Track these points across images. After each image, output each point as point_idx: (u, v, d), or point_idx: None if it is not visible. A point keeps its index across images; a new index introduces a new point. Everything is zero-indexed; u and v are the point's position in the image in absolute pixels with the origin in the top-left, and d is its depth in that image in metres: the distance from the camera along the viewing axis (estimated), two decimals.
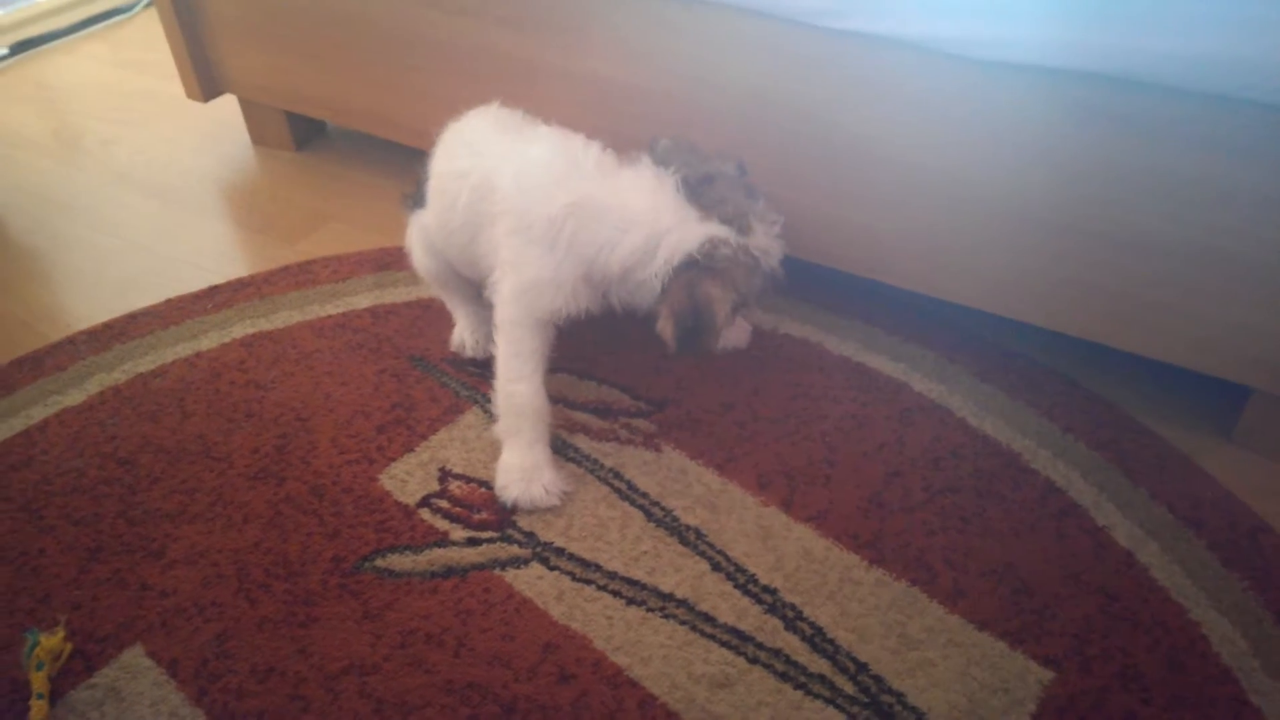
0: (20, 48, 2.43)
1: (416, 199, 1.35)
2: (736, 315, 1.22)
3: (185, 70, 1.87)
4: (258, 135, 1.99)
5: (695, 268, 1.11)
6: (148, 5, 2.63)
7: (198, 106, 2.02)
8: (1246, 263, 1.11)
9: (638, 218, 1.13)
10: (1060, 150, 1.15)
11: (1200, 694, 0.96)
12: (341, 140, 2.00)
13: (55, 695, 0.98)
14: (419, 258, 1.37)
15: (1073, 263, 1.21)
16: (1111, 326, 1.23)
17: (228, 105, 2.01)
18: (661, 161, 1.17)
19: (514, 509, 1.17)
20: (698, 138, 1.37)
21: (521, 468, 1.17)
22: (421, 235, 1.36)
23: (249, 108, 1.96)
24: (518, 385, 1.18)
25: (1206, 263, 1.13)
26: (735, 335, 1.38)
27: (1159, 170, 1.10)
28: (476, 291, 1.32)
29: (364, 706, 0.96)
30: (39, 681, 0.96)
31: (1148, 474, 1.19)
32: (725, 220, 1.13)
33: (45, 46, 2.47)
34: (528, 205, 1.15)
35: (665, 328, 1.13)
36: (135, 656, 1.01)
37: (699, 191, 1.15)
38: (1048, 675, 0.98)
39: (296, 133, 1.95)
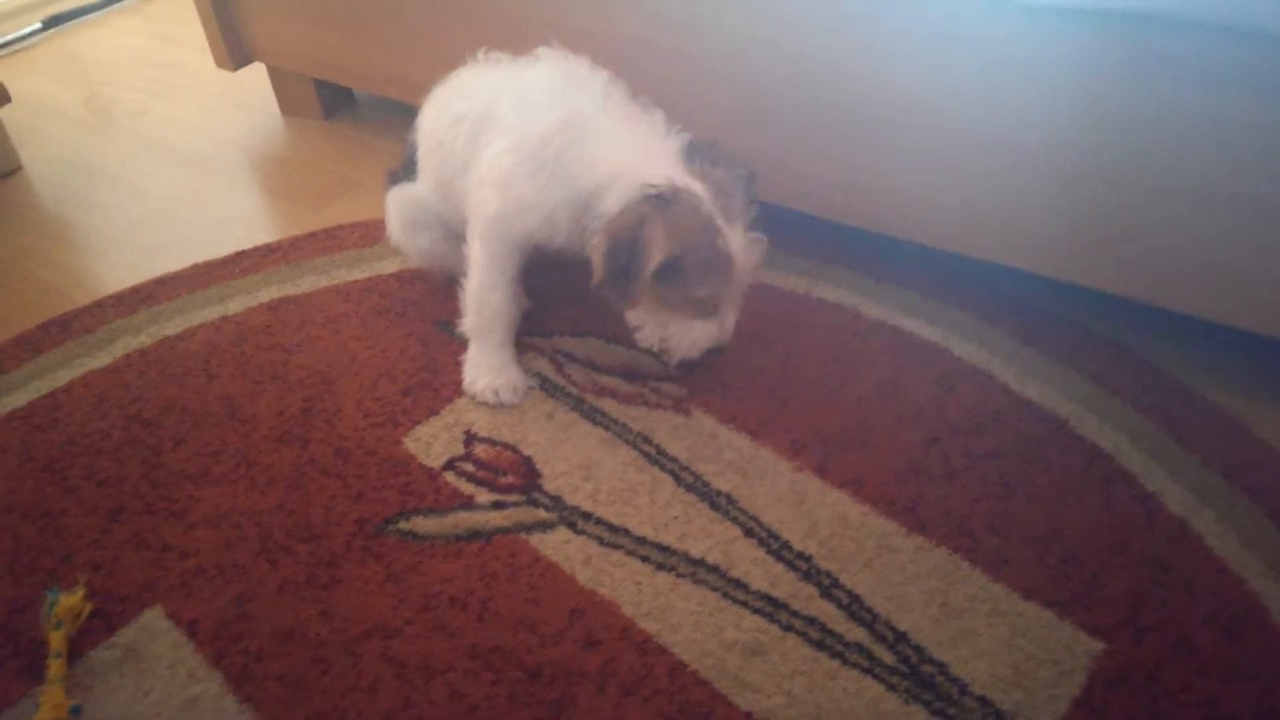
0: (53, 22, 2.43)
1: (404, 172, 1.34)
2: (671, 282, 1.09)
3: (214, 39, 1.85)
4: (286, 105, 1.98)
5: (653, 203, 1.06)
6: None
7: (227, 78, 2.02)
8: None
9: (628, 148, 1.11)
10: (1107, 98, 1.09)
11: (1260, 667, 0.91)
12: (370, 109, 1.97)
13: (74, 654, 0.96)
14: (404, 235, 1.36)
15: (1120, 218, 1.15)
16: (1161, 285, 1.17)
17: (257, 76, 2.00)
18: (690, 151, 1.13)
19: (478, 401, 1.22)
20: (725, 98, 1.33)
21: (490, 365, 1.24)
22: (408, 209, 1.34)
23: (277, 77, 1.95)
24: (493, 293, 1.22)
25: (1263, 216, 1.06)
26: (701, 334, 1.17)
27: (1212, 117, 1.04)
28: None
29: (386, 670, 0.94)
30: (57, 640, 0.95)
31: (1200, 440, 1.14)
32: (711, 192, 1.08)
33: (78, 21, 2.48)
34: (523, 121, 1.14)
35: (597, 248, 1.07)
36: (155, 618, 1.00)
37: (699, 160, 1.11)
38: (1097, 646, 0.93)
39: (325, 102, 1.93)
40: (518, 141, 1.14)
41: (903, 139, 1.25)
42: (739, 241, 1.10)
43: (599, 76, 1.18)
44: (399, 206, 1.35)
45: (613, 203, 1.09)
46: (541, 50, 1.21)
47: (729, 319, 1.17)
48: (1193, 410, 1.18)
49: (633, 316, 1.18)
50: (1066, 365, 1.25)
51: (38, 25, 2.40)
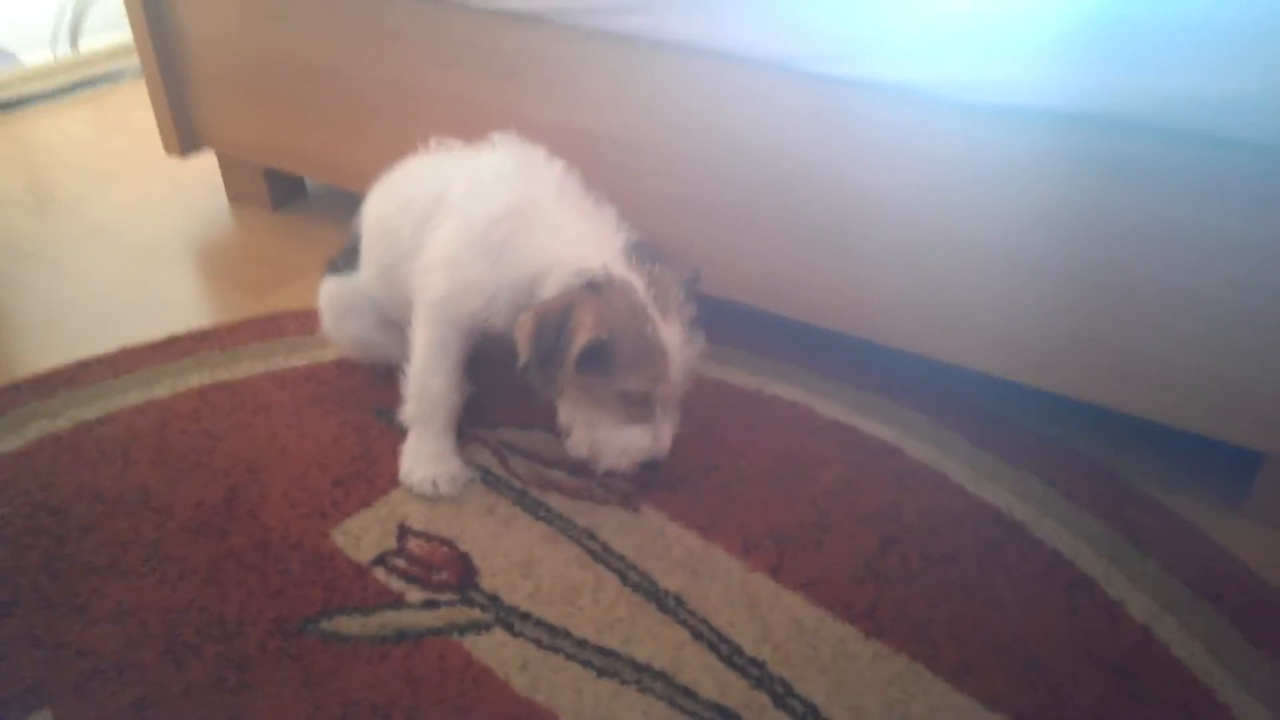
0: (2, 107, 2.40)
1: (344, 260, 1.31)
2: (598, 377, 1.06)
3: (165, 124, 1.83)
4: (235, 194, 1.95)
5: (586, 288, 1.04)
6: (137, 74, 2.62)
7: (176, 166, 1.99)
8: (1253, 315, 1.05)
9: (573, 238, 1.10)
10: (1057, 198, 1.11)
11: None
12: (320, 200, 1.95)
13: None
14: (336, 323, 1.33)
15: (1071, 317, 1.15)
16: (1112, 386, 1.17)
17: (206, 166, 1.97)
18: (633, 247, 1.12)
19: (416, 491, 1.17)
20: (681, 190, 1.33)
21: (429, 454, 1.18)
22: (342, 296, 1.31)
23: (227, 166, 1.92)
24: (435, 379, 1.17)
25: (1211, 316, 1.07)
26: (633, 441, 1.10)
27: (1159, 217, 1.06)
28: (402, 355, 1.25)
29: None
30: None
31: (1159, 545, 1.11)
32: (648, 284, 1.07)
33: (27, 106, 2.45)
34: (474, 203, 1.13)
35: (523, 329, 1.04)
36: None
37: (642, 256, 1.10)
38: None
39: (275, 192, 1.90)
40: (468, 222, 1.12)
41: (860, 236, 1.25)
42: (674, 335, 1.06)
43: (555, 165, 1.17)
44: (332, 295, 1.32)
45: (550, 288, 1.07)
46: (497, 136, 1.21)
47: (665, 430, 1.11)
48: (1149, 516, 1.16)
49: (563, 416, 1.14)
50: (1021, 468, 1.22)
51: None
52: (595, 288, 1.04)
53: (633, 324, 1.04)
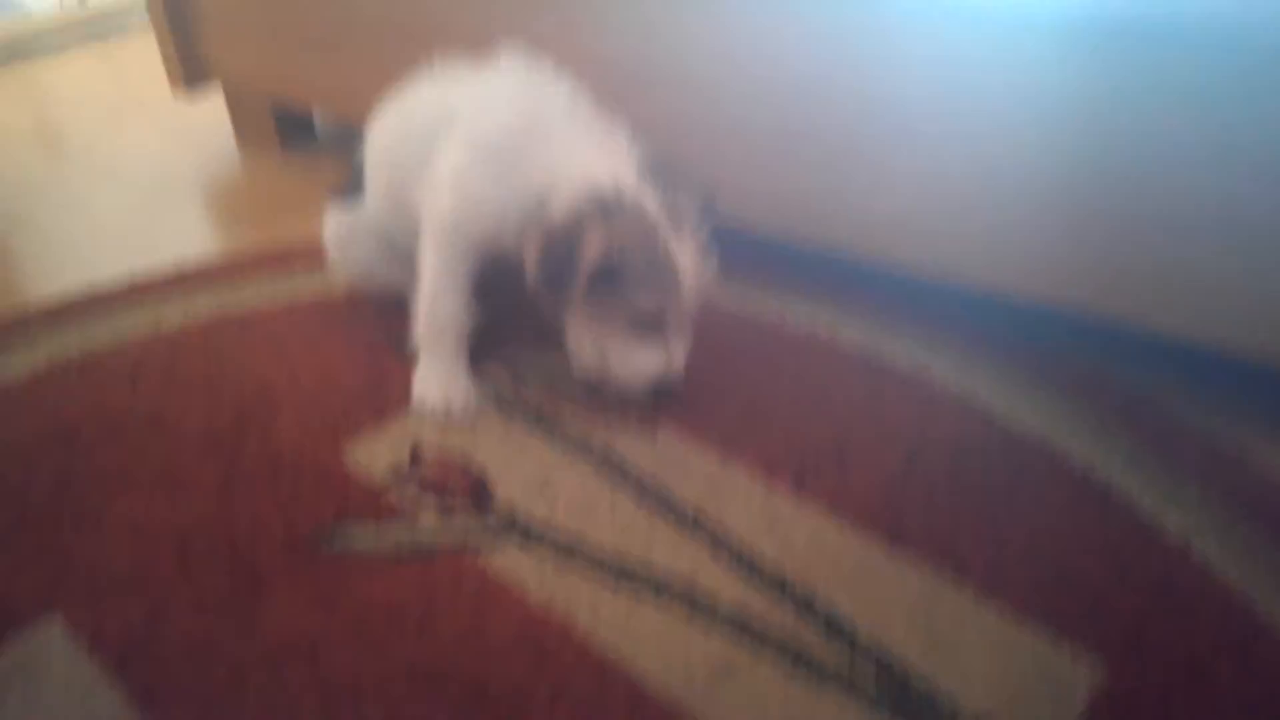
0: (11, 55, 2.38)
1: (350, 187, 1.29)
2: (608, 290, 1.03)
3: (170, 57, 1.80)
4: (244, 136, 1.92)
5: (597, 206, 1.01)
6: (143, 25, 2.60)
7: (184, 110, 1.97)
8: None
9: (585, 154, 1.06)
10: (1086, 109, 1.06)
11: (1278, 694, 0.83)
12: (329, 142, 1.93)
13: None
14: (339, 249, 1.30)
15: (1104, 236, 1.11)
16: (1147, 307, 1.13)
17: (214, 109, 1.95)
18: (645, 164, 1.09)
19: (429, 415, 1.15)
20: (696, 115, 1.30)
21: (441, 377, 1.16)
22: (345, 224, 1.29)
23: (236, 107, 1.90)
24: (444, 300, 1.15)
25: (1253, 232, 1.03)
26: (645, 362, 1.09)
27: (1198, 128, 1.01)
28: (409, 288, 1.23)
29: (310, 689, 0.83)
30: None
31: (1195, 467, 1.08)
32: (660, 203, 1.04)
33: (38, 56, 2.43)
34: (481, 119, 1.10)
35: (533, 247, 1.02)
36: (52, 630, 0.88)
37: (656, 174, 1.07)
38: (1098, 672, 0.85)
39: (283, 133, 1.88)
40: (475, 139, 1.09)
41: (880, 159, 1.22)
42: (686, 254, 1.04)
43: (563, 82, 1.14)
44: (337, 226, 1.30)
45: (559, 205, 1.04)
46: (503, 54, 1.17)
47: (677, 351, 1.09)
48: (1186, 439, 1.12)
49: (572, 338, 1.11)
50: (1052, 391, 1.19)
51: None
52: (605, 207, 1.01)
53: (643, 244, 1.01)
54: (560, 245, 1.01)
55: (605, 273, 1.01)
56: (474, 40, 1.45)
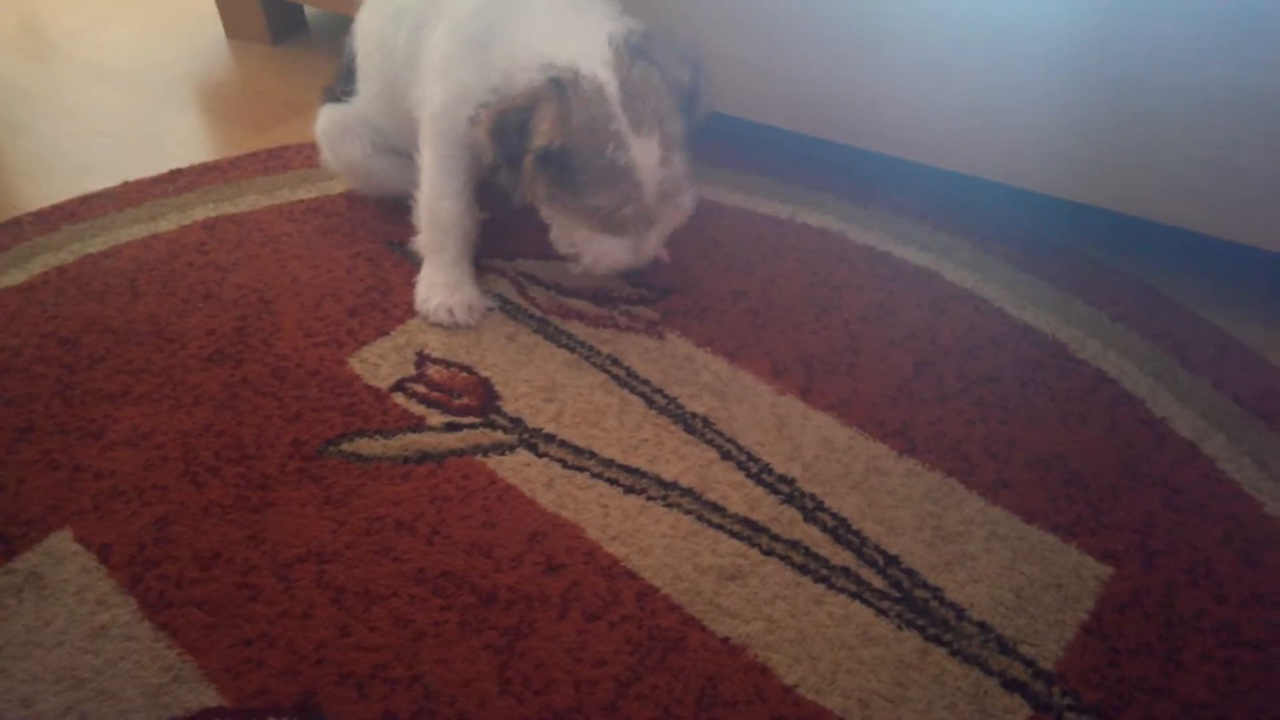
0: None
1: (342, 83, 1.24)
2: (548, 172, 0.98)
3: None
4: (233, 28, 1.85)
5: (551, 87, 0.95)
6: None
7: (172, 3, 1.89)
8: None
9: (552, 30, 1.00)
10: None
11: None
12: (321, 34, 1.85)
13: None
14: (332, 147, 1.26)
15: (1119, 125, 1.07)
16: (1161, 199, 1.10)
17: (203, 1, 1.87)
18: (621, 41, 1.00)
19: (433, 320, 1.13)
20: (709, 3, 1.23)
21: (444, 283, 1.13)
22: (337, 120, 1.25)
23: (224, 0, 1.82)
24: (444, 201, 1.12)
25: (1274, 121, 0.99)
26: (609, 251, 1.05)
27: (1222, 7, 0.96)
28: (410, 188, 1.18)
29: (321, 595, 0.84)
30: None
31: (1208, 364, 1.06)
32: (624, 89, 0.96)
33: None
34: (459, 1, 1.04)
35: (483, 126, 0.97)
36: (62, 541, 0.89)
37: (631, 53, 0.98)
38: (1106, 571, 0.85)
39: (273, 25, 1.81)
40: (455, 22, 1.04)
41: (892, 41, 1.17)
42: (647, 151, 0.97)
43: None
44: (329, 122, 1.26)
45: (518, 85, 0.98)
46: None
47: (648, 240, 1.05)
48: (1199, 334, 1.10)
49: (544, 213, 1.07)
50: (1065, 290, 1.17)
51: None
52: (559, 87, 0.95)
53: (593, 139, 0.95)
54: (513, 123, 0.96)
55: (559, 159, 0.96)
56: None
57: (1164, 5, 0.99)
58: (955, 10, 1.11)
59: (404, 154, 1.25)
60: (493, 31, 1.02)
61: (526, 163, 0.95)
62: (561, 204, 1.02)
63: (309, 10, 1.87)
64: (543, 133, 0.94)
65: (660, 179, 0.99)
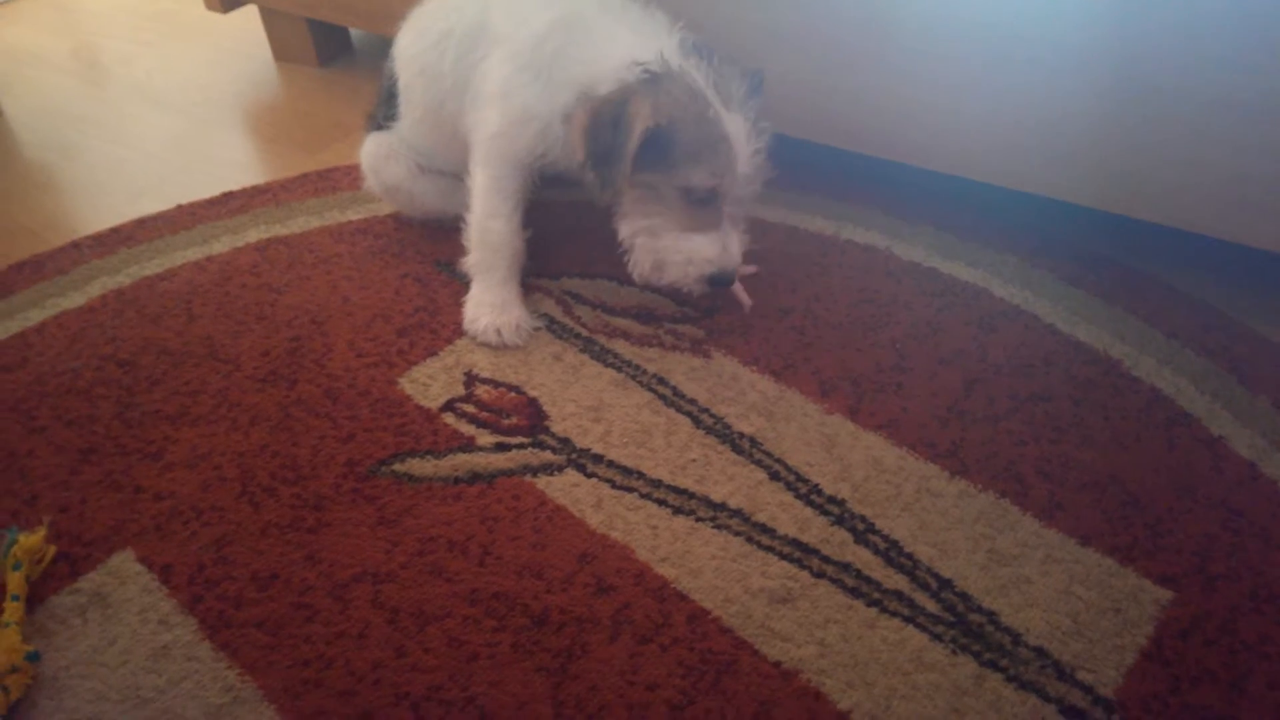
0: None
1: (383, 109, 1.27)
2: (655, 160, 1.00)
3: None
4: (280, 52, 1.88)
5: (643, 79, 0.98)
6: None
7: (220, 25, 1.93)
8: None
9: (625, 43, 1.02)
10: (1157, 9, 1.00)
11: None
12: (367, 55, 1.88)
13: (35, 599, 0.87)
14: (375, 169, 1.28)
15: (1175, 137, 1.06)
16: (1216, 214, 1.08)
17: (250, 24, 1.91)
18: (690, 42, 1.04)
19: (481, 340, 1.14)
20: (752, 17, 1.24)
21: (492, 303, 1.15)
22: (381, 146, 1.27)
23: (271, 21, 1.85)
24: (495, 221, 1.13)
25: None
26: (699, 250, 1.05)
27: (1272, 27, 0.95)
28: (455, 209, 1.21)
29: (376, 616, 0.85)
30: (15, 582, 0.86)
31: (1267, 381, 1.04)
32: (708, 74, 1.00)
33: None
34: (516, 27, 1.07)
35: (578, 123, 0.99)
36: (125, 561, 0.91)
37: (699, 52, 1.02)
38: (1165, 595, 0.84)
39: (320, 47, 1.84)
40: (514, 49, 1.06)
41: (939, 58, 1.16)
42: (737, 125, 1.00)
43: None
44: (372, 149, 1.29)
45: (605, 85, 1.00)
46: None
47: (733, 240, 1.05)
48: (1257, 351, 1.08)
49: (624, 230, 1.08)
50: (1117, 306, 1.15)
51: None
52: (653, 78, 0.98)
53: (692, 109, 0.98)
54: (607, 118, 0.97)
55: (655, 146, 0.97)
56: None
57: (1209, 11, 0.98)
58: (999, 27, 1.10)
59: (447, 175, 1.27)
60: (558, 56, 1.04)
61: (628, 150, 0.96)
62: (653, 193, 1.03)
63: (354, 32, 1.90)
64: (644, 116, 0.96)
65: (751, 152, 1.01)
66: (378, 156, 1.28)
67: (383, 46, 1.86)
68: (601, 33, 1.04)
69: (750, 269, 1.20)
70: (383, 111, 1.28)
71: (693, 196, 1.02)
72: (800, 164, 1.40)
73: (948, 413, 1.03)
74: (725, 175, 1.01)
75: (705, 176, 1.00)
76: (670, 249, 1.05)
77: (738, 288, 1.17)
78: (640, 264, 1.08)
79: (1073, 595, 0.84)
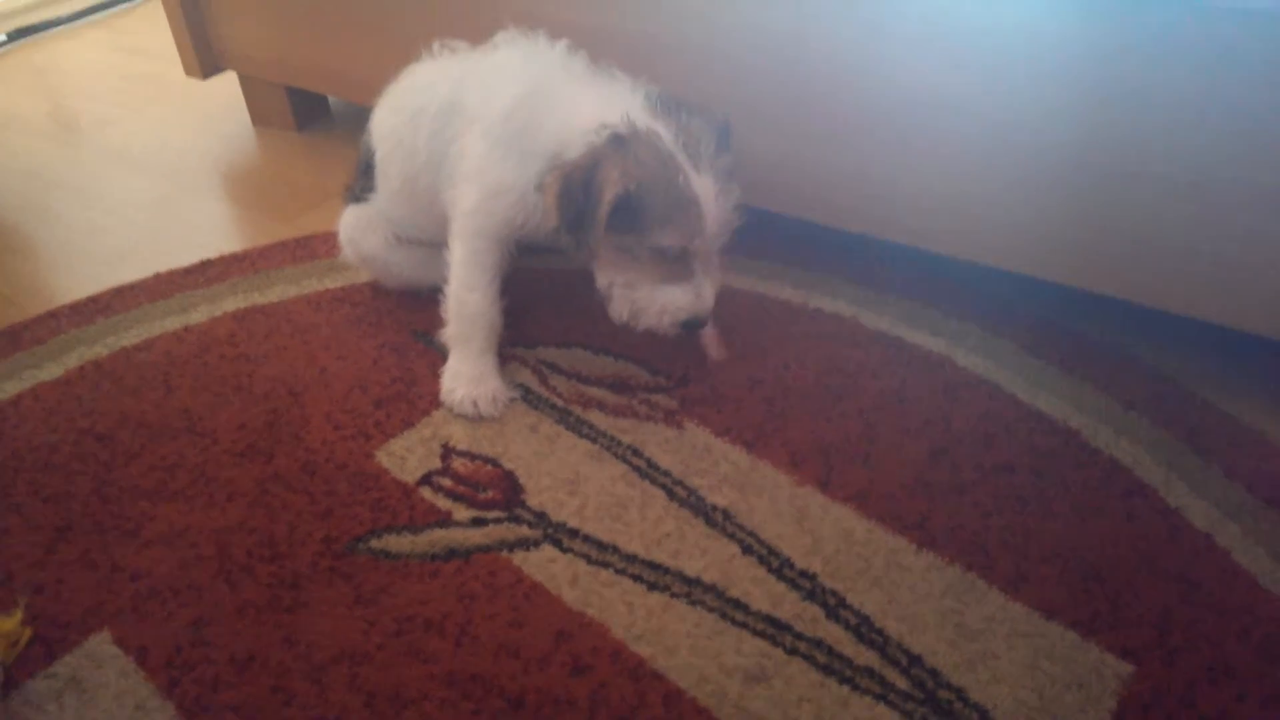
0: (20, 34, 2.36)
1: (360, 181, 1.30)
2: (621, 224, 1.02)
3: (184, 46, 1.79)
4: (258, 115, 1.91)
5: (611, 142, 1.00)
6: None
7: (198, 89, 1.95)
8: None
9: (590, 106, 1.05)
10: (1118, 85, 1.04)
11: None
12: (344, 120, 1.91)
13: (10, 684, 0.87)
14: (351, 240, 1.31)
15: (1133, 216, 1.10)
16: (1170, 288, 1.12)
17: (228, 88, 1.93)
18: (656, 98, 1.07)
19: (458, 412, 1.16)
20: (721, 93, 1.28)
21: (469, 375, 1.17)
22: (359, 218, 1.30)
23: (249, 86, 1.88)
24: (472, 294, 1.16)
25: (1274, 210, 1.02)
26: (673, 300, 1.08)
27: (1221, 105, 0.99)
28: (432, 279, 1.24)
29: (354, 699, 0.85)
30: None
31: (1221, 452, 1.08)
32: (675, 133, 1.02)
33: (44, 33, 2.41)
34: (489, 100, 1.10)
35: (550, 190, 1.01)
36: (101, 643, 0.91)
37: (665, 109, 1.05)
38: (1127, 669, 0.86)
39: (298, 112, 1.87)
40: (485, 127, 1.10)
41: (905, 136, 1.20)
42: (706, 186, 1.02)
43: (557, 47, 1.14)
44: (351, 218, 1.32)
45: (574, 150, 1.03)
46: (499, 35, 1.17)
47: (706, 288, 1.08)
48: (1210, 421, 1.12)
49: (600, 280, 1.11)
50: (1076, 376, 1.19)
51: (2, 37, 2.33)
52: (620, 140, 1.00)
53: (661, 175, 1.00)
54: (578, 184, 1.00)
55: (625, 208, 1.00)
56: (492, 21, 1.43)
57: (1153, 104, 1.03)
58: (956, 109, 1.14)
59: (423, 246, 1.29)
60: (527, 127, 1.07)
61: (600, 215, 0.99)
62: (627, 253, 1.05)
63: (332, 98, 1.93)
64: (614, 181, 0.98)
65: (719, 210, 1.04)
66: (356, 228, 1.30)
67: (359, 112, 1.89)
68: (566, 99, 1.07)
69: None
70: (360, 184, 1.31)
71: (664, 254, 1.05)
72: (769, 233, 1.44)
73: (915, 484, 1.06)
74: (694, 236, 1.03)
75: (675, 238, 1.03)
76: (645, 299, 1.08)
77: (711, 335, 1.20)
78: (618, 311, 1.11)
79: (1038, 670, 0.86)
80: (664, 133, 1.02)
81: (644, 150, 1.00)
